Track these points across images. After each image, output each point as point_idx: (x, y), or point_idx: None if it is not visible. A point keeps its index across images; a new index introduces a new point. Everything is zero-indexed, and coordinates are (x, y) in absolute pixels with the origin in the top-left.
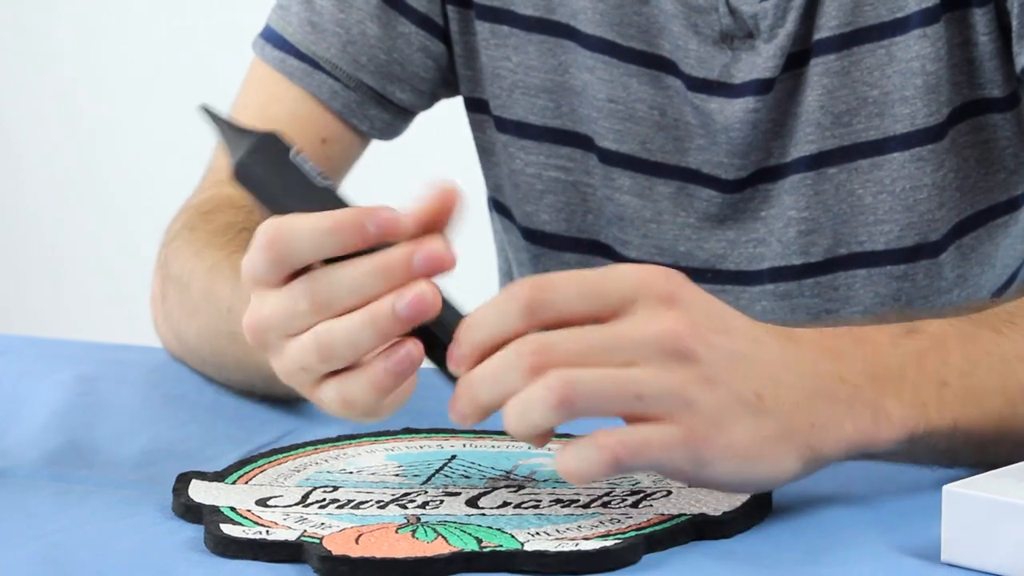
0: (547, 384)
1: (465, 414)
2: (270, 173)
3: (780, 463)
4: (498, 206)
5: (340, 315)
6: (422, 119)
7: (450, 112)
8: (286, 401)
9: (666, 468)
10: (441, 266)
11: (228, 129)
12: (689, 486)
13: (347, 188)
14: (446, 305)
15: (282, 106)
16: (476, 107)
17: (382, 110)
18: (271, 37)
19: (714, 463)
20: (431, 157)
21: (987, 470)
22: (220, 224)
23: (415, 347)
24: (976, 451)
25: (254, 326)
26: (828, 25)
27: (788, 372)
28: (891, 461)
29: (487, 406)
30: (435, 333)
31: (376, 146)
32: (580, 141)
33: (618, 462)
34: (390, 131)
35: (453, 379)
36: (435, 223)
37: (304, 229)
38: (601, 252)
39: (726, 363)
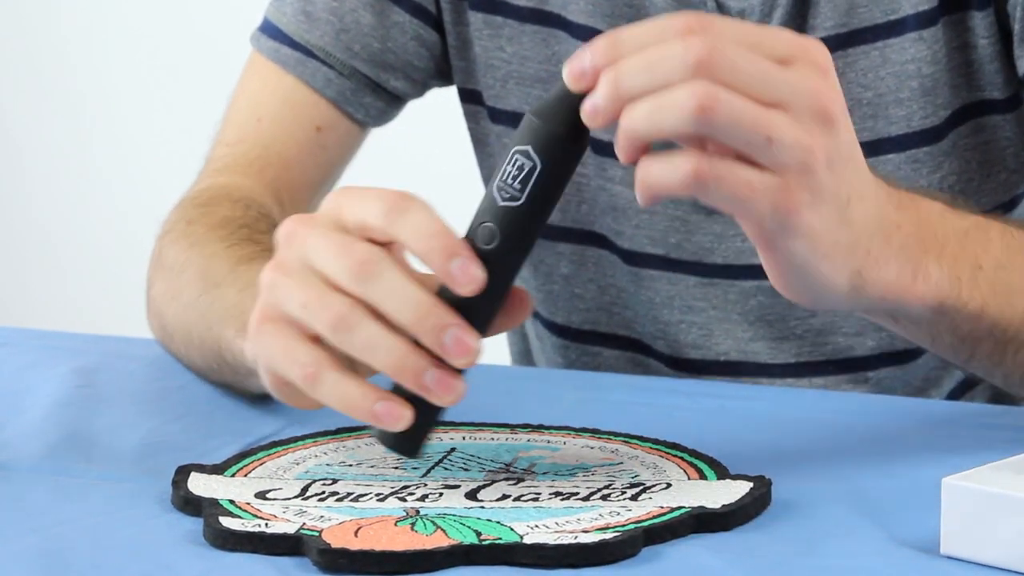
0: (693, 90)
1: (599, 107)
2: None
3: (835, 274)
4: None
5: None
6: (418, 108)
7: (445, 102)
8: (241, 393)
9: (742, 211)
10: None
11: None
12: (759, 255)
13: (346, 178)
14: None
15: (276, 95)
16: (470, 98)
17: (376, 98)
18: (267, 28)
19: (789, 233)
20: (427, 147)
21: (1001, 381)
22: (218, 219)
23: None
24: (995, 347)
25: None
26: (823, 26)
27: (871, 195)
28: (911, 336)
29: (627, 95)
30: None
31: (371, 135)
32: None
33: (700, 181)
34: (383, 118)
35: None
36: None
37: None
38: (596, 242)
39: (847, 152)
